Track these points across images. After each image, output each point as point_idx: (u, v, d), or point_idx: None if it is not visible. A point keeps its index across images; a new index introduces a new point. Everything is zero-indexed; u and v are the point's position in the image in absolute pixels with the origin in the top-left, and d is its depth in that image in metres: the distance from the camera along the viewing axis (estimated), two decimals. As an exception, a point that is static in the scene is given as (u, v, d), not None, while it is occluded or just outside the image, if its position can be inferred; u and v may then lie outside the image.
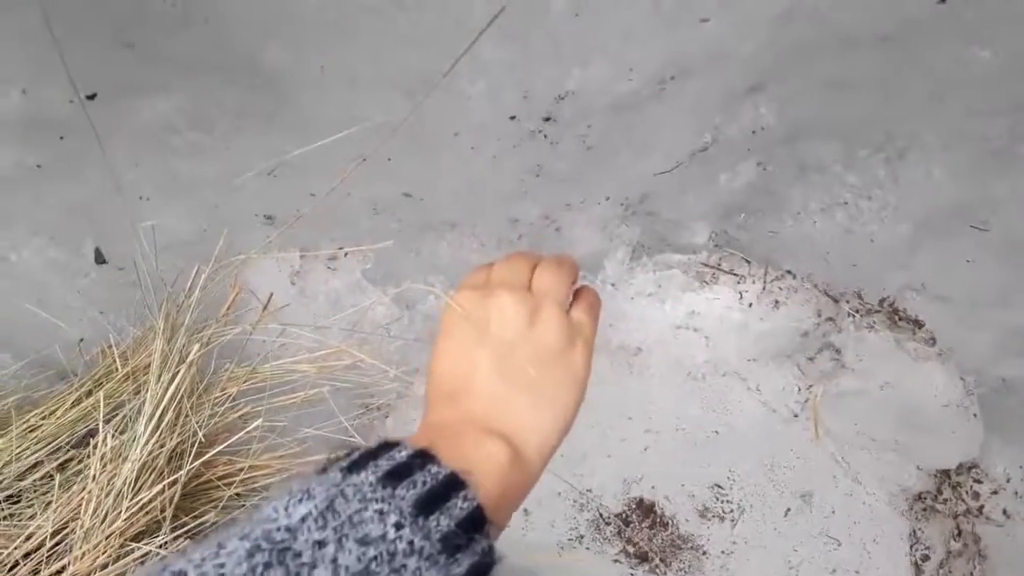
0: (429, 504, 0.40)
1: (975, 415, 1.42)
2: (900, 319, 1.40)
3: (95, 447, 1.34)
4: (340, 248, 1.43)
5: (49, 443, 1.44)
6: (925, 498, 1.63)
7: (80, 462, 1.41)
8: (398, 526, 0.38)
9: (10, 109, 1.16)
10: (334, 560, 0.35)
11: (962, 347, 1.41)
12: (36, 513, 1.36)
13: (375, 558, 0.36)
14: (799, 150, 1.24)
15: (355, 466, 0.41)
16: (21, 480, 1.41)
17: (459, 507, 0.40)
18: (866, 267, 1.34)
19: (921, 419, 1.44)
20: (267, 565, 0.33)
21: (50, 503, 1.35)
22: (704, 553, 1.44)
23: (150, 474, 1.34)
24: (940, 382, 1.38)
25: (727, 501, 1.46)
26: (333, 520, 0.37)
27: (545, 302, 0.54)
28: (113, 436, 1.34)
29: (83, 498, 1.32)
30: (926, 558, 1.62)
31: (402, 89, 1.04)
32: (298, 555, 0.34)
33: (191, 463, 1.36)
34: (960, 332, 1.40)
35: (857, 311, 1.38)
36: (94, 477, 1.33)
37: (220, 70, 1.15)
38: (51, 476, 1.40)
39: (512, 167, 1.20)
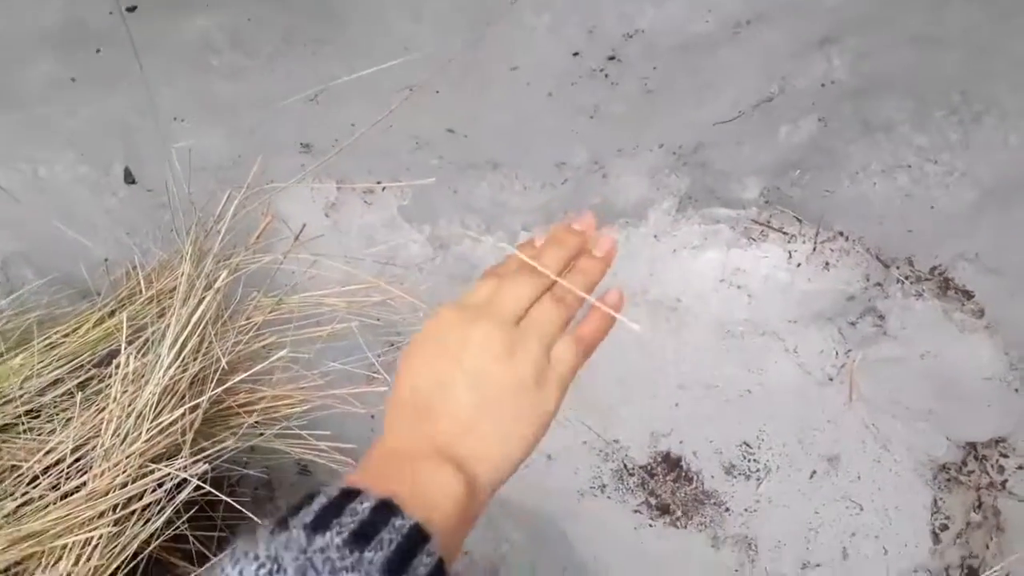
0: (396, 567, 0.40)
1: (1016, 390, 1.39)
2: (950, 288, 1.36)
3: (117, 368, 1.33)
4: (378, 182, 1.39)
5: (70, 361, 1.43)
6: (950, 469, 1.62)
7: (101, 382, 1.40)
8: None
9: (52, 18, 1.11)
10: None
11: (1009, 321, 1.37)
12: (56, 429, 1.35)
13: None
14: (866, 108, 1.19)
15: (319, 523, 0.40)
16: (41, 396, 1.40)
17: (423, 564, 0.41)
18: (922, 233, 1.29)
19: (959, 390, 1.41)
20: None
21: (70, 420, 1.34)
22: (727, 509, 1.44)
23: (171, 398, 1.33)
24: (985, 355, 1.35)
25: (754, 460, 1.45)
26: None
27: (529, 337, 0.53)
28: (135, 358, 1.33)
29: (104, 418, 1.32)
30: (944, 527, 1.62)
31: (467, 19, 0.99)
32: None
33: (213, 389, 1.35)
34: (1010, 305, 1.36)
35: (907, 278, 1.34)
36: (115, 398, 1.32)
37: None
38: (71, 394, 1.39)
39: (567, 107, 1.15)
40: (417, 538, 0.42)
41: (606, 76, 1.06)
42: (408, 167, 1.35)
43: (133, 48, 1.19)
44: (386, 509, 0.42)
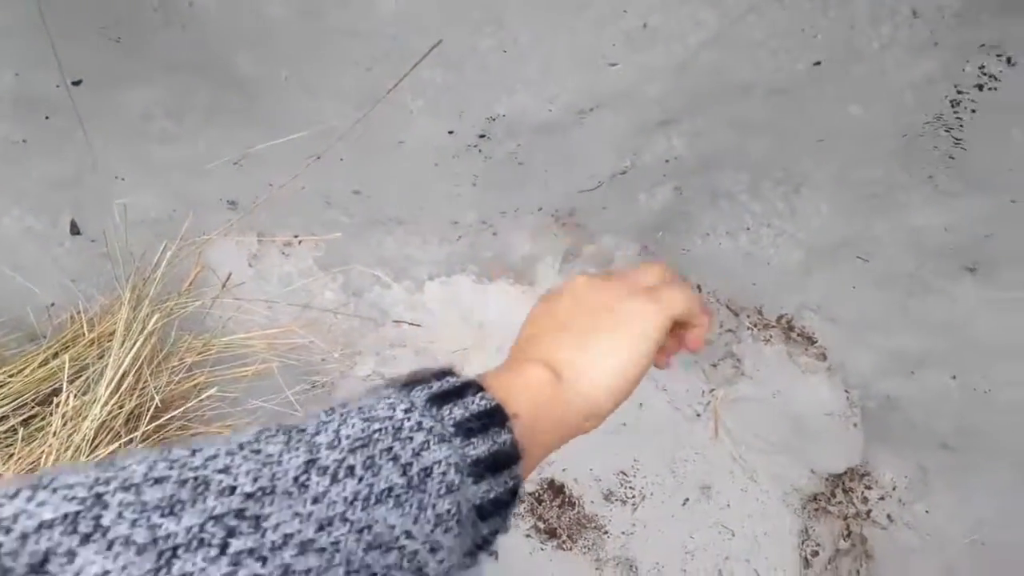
0: (442, 399, 0.41)
1: (855, 425, 1.58)
2: (795, 335, 1.56)
3: (58, 405, 1.45)
4: (295, 236, 1.57)
5: (15, 400, 1.53)
6: (819, 499, 1.80)
7: (43, 419, 1.51)
8: (407, 410, 0.39)
9: (3, 89, 1.28)
10: (336, 431, 0.37)
11: (850, 364, 1.57)
12: None
13: (379, 429, 0.37)
14: (711, 179, 1.39)
15: (409, 382, 0.43)
16: None
17: (475, 403, 0.41)
18: (764, 286, 1.49)
19: (809, 426, 1.60)
20: (272, 435, 0.36)
21: (13, 455, 1.45)
22: (606, 533, 1.60)
23: (107, 433, 1.45)
24: (825, 393, 1.54)
25: (630, 487, 1.62)
26: (341, 408, 0.38)
27: (640, 286, 0.55)
28: (76, 396, 1.45)
29: (44, 451, 1.43)
30: (816, 554, 1.79)
31: (354, 101, 1.18)
32: (303, 430, 0.37)
33: (147, 425, 1.47)
34: (849, 350, 1.56)
35: (755, 325, 1.54)
36: (55, 433, 1.43)
37: (195, 69, 1.28)
38: (15, 430, 1.49)
39: (451, 175, 1.34)
40: (469, 386, 0.42)
41: (480, 151, 1.26)
42: (322, 223, 1.53)
43: (78, 117, 1.37)
44: (446, 371, 0.43)
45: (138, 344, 1.48)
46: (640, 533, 1.60)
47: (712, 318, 0.59)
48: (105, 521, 0.29)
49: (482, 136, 1.24)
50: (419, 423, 0.38)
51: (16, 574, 0.27)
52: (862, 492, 1.85)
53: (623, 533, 1.60)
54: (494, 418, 0.41)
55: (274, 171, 1.42)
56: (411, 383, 0.42)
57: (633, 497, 1.61)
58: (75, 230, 1.61)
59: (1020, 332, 1.34)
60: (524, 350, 0.52)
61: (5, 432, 1.51)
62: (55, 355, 1.59)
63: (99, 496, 0.30)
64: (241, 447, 0.34)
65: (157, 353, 1.55)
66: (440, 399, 0.40)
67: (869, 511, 1.84)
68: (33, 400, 1.55)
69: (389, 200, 1.43)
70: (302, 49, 1.16)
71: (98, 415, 1.43)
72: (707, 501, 1.65)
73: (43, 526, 0.28)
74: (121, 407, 1.47)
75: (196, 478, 0.32)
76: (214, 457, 0.33)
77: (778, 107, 1.18)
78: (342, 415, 0.38)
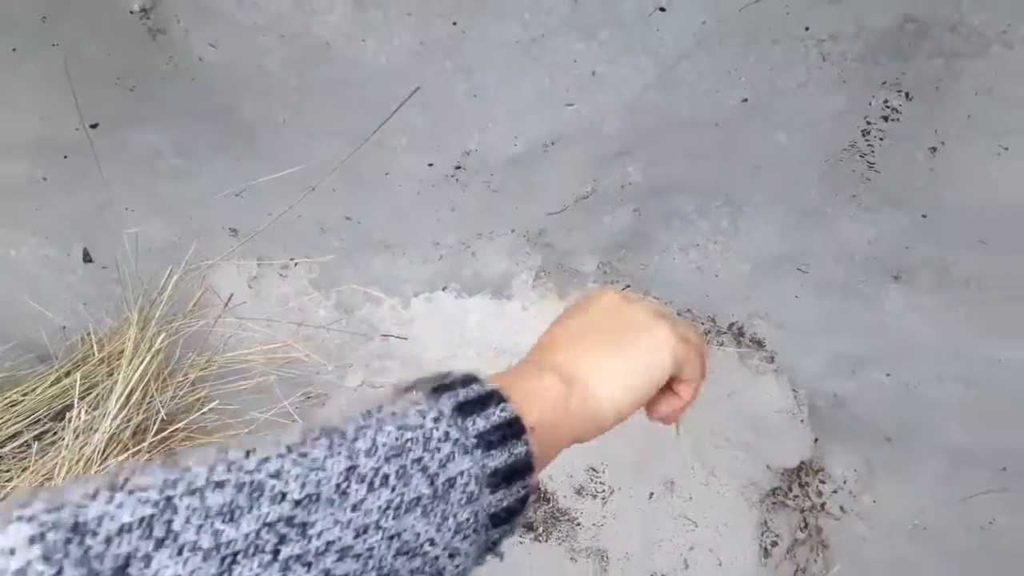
0: (467, 408, 0.44)
1: (802, 421, 1.75)
2: (746, 340, 1.73)
3: (70, 420, 1.57)
4: (292, 259, 1.72)
5: (29, 416, 1.63)
6: (778, 493, 1.95)
7: (55, 434, 1.62)
8: (436, 419, 0.42)
9: (29, 132, 1.43)
10: (373, 438, 0.40)
11: (798, 366, 1.74)
12: (14, 476, 1.57)
13: (411, 439, 0.41)
14: (664, 201, 1.56)
15: (439, 389, 0.46)
16: (1, 447, 1.62)
17: (496, 415, 0.44)
18: (715, 297, 1.66)
19: (763, 424, 1.76)
20: (316, 438, 0.39)
21: (27, 468, 1.57)
22: (578, 524, 1.74)
23: (116, 445, 1.57)
24: (773, 393, 1.70)
25: (600, 482, 1.77)
26: (377, 413, 0.42)
27: (665, 323, 0.57)
28: (86, 412, 1.57)
29: (56, 463, 1.55)
30: (775, 544, 1.94)
31: (345, 139, 1.35)
32: (343, 434, 0.40)
33: (153, 437, 1.59)
34: (796, 354, 1.72)
35: (709, 332, 1.71)
36: (67, 446, 1.55)
37: (202, 114, 1.44)
38: (29, 445, 1.60)
39: (432, 202, 1.50)
40: (492, 397, 0.46)
41: (457, 181, 1.42)
42: (317, 247, 1.69)
43: (95, 156, 1.52)
44: (470, 378, 0.47)
45: (145, 362, 1.59)
46: (610, 525, 1.75)
47: (695, 397, 0.66)
48: (176, 526, 0.33)
49: (458, 168, 1.40)
50: (446, 433, 0.42)
51: None
52: (817, 486, 2.01)
53: (594, 525, 1.75)
54: (512, 429, 0.45)
55: (273, 202, 1.57)
56: (439, 388, 0.45)
57: (603, 491, 1.76)
58: (87, 258, 1.74)
59: (937, 332, 1.51)
60: (544, 353, 0.55)
61: (20, 447, 1.61)
62: (67, 374, 1.69)
63: (169, 499, 0.34)
64: (289, 449, 0.38)
65: (163, 370, 1.66)
66: (465, 408, 0.44)
67: (824, 504, 1.99)
68: (46, 416, 1.64)
69: (377, 225, 1.59)
70: (298, 96, 1.33)
71: (108, 428, 1.54)
72: (671, 495, 1.81)
73: (123, 529, 0.32)
74: (129, 421, 1.58)
75: (252, 482, 0.36)
76: (266, 460, 0.37)
77: (717, 138, 1.35)
78: (378, 421, 0.41)
